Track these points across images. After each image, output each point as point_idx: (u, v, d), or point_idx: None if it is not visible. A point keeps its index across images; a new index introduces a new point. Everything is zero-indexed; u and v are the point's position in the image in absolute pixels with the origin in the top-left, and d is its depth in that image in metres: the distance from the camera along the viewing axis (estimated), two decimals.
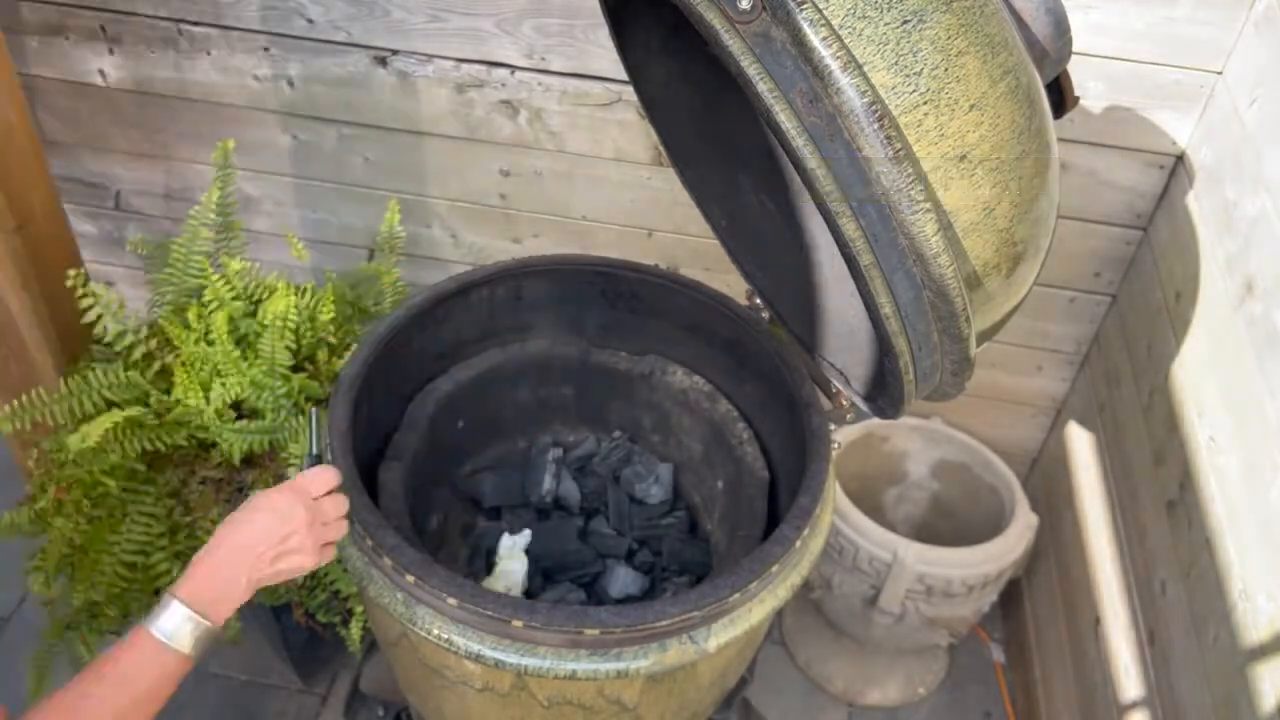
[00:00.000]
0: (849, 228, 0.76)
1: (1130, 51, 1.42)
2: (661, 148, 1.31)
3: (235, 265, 1.53)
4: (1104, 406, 1.68)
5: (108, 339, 1.48)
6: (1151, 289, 1.54)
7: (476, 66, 1.60)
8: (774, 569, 1.04)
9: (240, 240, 1.61)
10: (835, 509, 1.59)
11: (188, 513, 1.47)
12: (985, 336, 0.93)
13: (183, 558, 1.46)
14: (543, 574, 1.38)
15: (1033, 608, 1.94)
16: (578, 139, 1.66)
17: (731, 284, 1.42)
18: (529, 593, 1.36)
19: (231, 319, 1.49)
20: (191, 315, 1.49)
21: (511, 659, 0.98)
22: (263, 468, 1.53)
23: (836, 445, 1.21)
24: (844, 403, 1.19)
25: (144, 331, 1.52)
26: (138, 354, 1.49)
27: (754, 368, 1.36)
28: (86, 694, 0.82)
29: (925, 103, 0.75)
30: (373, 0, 1.55)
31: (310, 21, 1.59)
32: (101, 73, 1.73)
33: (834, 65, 0.72)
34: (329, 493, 0.98)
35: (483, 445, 1.50)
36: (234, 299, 1.51)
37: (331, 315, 1.55)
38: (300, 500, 0.93)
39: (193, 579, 0.88)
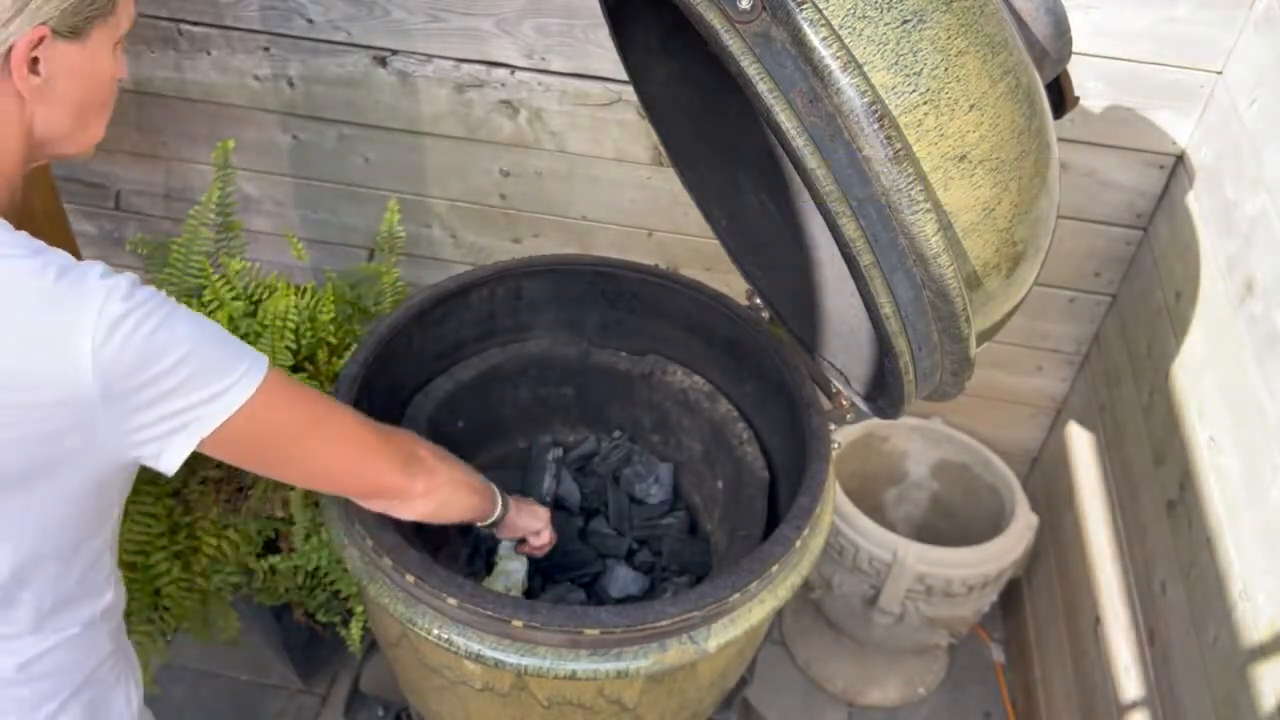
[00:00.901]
0: (849, 228, 0.76)
1: (1130, 51, 1.42)
2: (661, 148, 1.31)
3: (235, 265, 1.53)
4: (1104, 406, 1.68)
5: None
6: (1151, 289, 1.54)
7: (476, 66, 1.60)
8: (774, 569, 1.04)
9: (240, 240, 1.61)
10: (835, 509, 1.59)
11: (188, 513, 1.47)
12: (985, 336, 0.93)
13: (182, 558, 1.46)
14: (543, 574, 1.38)
15: (1033, 608, 1.94)
16: (578, 139, 1.66)
17: (731, 284, 1.42)
18: (529, 593, 1.36)
19: (231, 319, 1.49)
20: None
21: (511, 659, 0.98)
22: None
23: (836, 445, 1.21)
24: (844, 403, 1.19)
25: None
26: None
27: (754, 368, 1.36)
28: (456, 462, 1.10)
29: (925, 103, 0.75)
30: (372, 0, 1.55)
31: (310, 21, 1.59)
32: None
33: (834, 65, 0.72)
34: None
35: (483, 445, 1.50)
36: (234, 299, 1.51)
37: (331, 315, 1.55)
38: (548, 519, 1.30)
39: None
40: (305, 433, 0.89)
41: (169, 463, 0.80)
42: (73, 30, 0.77)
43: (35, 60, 0.77)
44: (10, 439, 0.75)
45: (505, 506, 1.19)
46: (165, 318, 0.76)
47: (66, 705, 0.93)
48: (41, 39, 0.76)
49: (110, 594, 0.95)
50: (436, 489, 1.03)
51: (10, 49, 0.75)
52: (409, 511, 1.02)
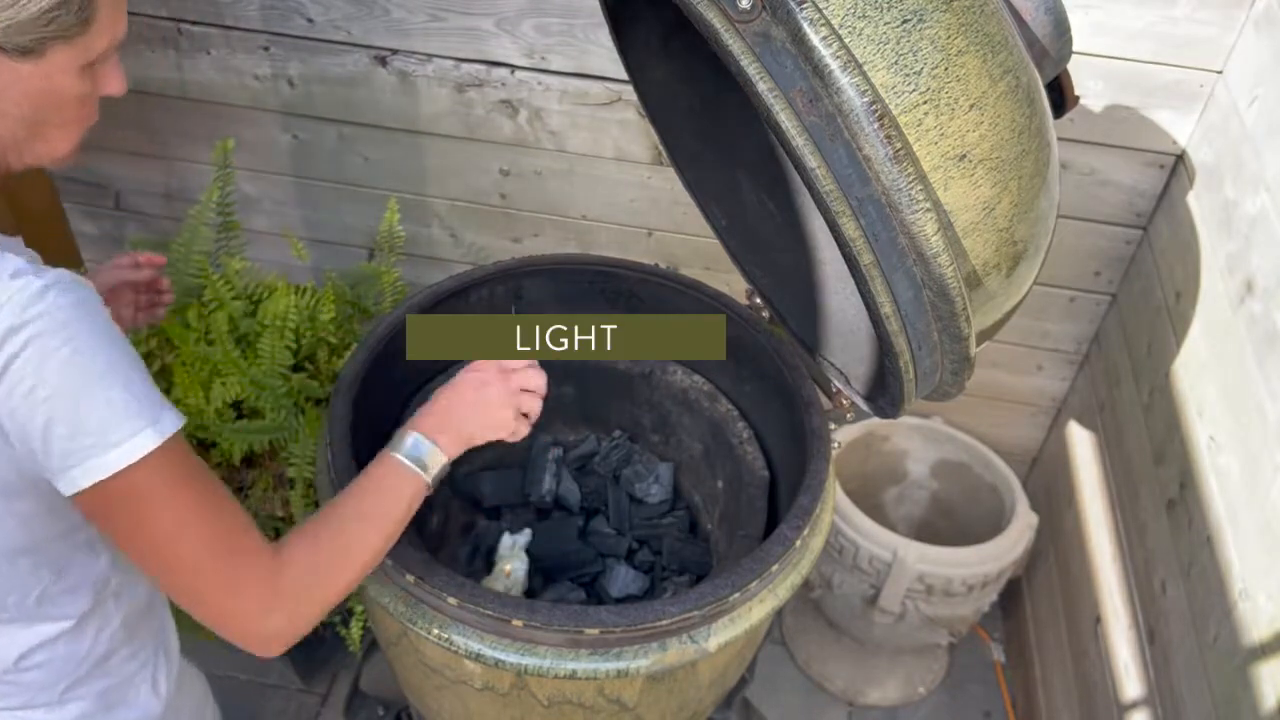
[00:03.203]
0: (849, 227, 0.76)
1: (1130, 51, 1.42)
2: (661, 148, 1.31)
3: (235, 265, 1.53)
4: (1104, 406, 1.68)
5: None
6: (1151, 288, 1.54)
7: (476, 66, 1.60)
8: (774, 568, 1.04)
9: (240, 240, 1.62)
10: (835, 508, 1.59)
11: None
12: (985, 336, 0.93)
13: None
14: (543, 574, 1.38)
15: (1033, 607, 1.94)
16: (578, 139, 1.66)
17: (731, 284, 1.42)
18: (529, 592, 1.36)
19: (231, 319, 1.49)
20: (191, 315, 1.49)
21: (511, 659, 0.98)
22: (263, 467, 1.53)
23: (836, 445, 1.21)
24: (844, 402, 1.19)
25: (144, 331, 1.52)
26: (138, 353, 1.49)
27: (754, 367, 1.36)
28: (351, 518, 0.91)
29: (925, 102, 0.75)
30: (372, 0, 1.55)
31: (310, 21, 1.59)
32: None
33: (834, 65, 0.72)
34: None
35: (482, 444, 1.50)
36: (234, 299, 1.51)
37: (331, 315, 1.55)
38: (496, 363, 1.06)
39: (421, 419, 0.99)
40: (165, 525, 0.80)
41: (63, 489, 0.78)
42: (22, 50, 0.76)
43: None
44: None
45: (426, 469, 0.96)
46: (59, 345, 0.74)
47: (73, 690, 0.94)
48: None
49: (110, 587, 0.94)
50: (297, 597, 0.85)
51: None
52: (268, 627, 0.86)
